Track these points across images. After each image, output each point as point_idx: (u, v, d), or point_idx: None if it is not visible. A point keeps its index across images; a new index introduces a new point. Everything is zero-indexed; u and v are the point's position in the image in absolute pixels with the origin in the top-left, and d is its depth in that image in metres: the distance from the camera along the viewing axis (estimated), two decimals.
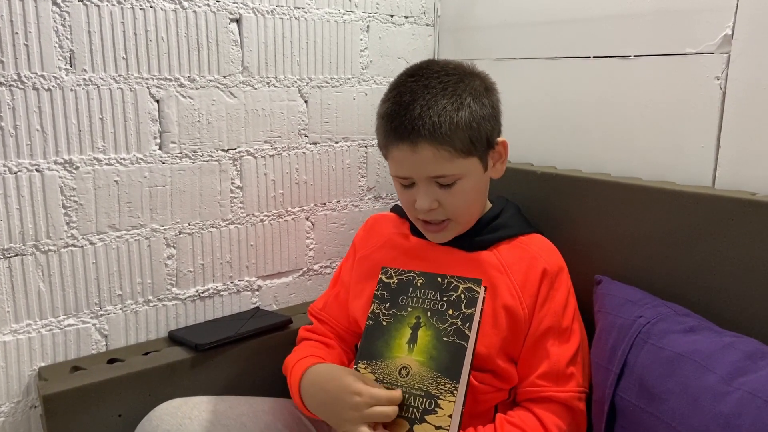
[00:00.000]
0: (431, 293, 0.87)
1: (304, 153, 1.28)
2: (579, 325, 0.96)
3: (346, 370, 0.88)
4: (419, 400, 0.81)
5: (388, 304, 0.88)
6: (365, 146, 1.37)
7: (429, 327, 0.85)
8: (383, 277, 0.91)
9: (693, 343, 0.80)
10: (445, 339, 0.83)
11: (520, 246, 0.97)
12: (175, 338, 1.12)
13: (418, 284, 0.88)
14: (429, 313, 0.86)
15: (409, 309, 0.87)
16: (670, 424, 0.76)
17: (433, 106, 0.87)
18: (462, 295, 0.86)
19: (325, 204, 1.33)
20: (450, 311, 0.85)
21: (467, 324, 0.83)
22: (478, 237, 0.97)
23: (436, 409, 0.80)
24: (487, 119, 0.91)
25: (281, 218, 1.27)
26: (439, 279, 0.88)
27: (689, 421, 0.74)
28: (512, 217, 1.00)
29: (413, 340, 0.84)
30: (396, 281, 0.89)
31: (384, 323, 0.87)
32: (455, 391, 0.80)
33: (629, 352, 0.85)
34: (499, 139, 0.95)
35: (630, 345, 0.85)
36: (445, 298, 0.86)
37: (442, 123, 0.86)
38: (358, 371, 0.85)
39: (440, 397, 0.80)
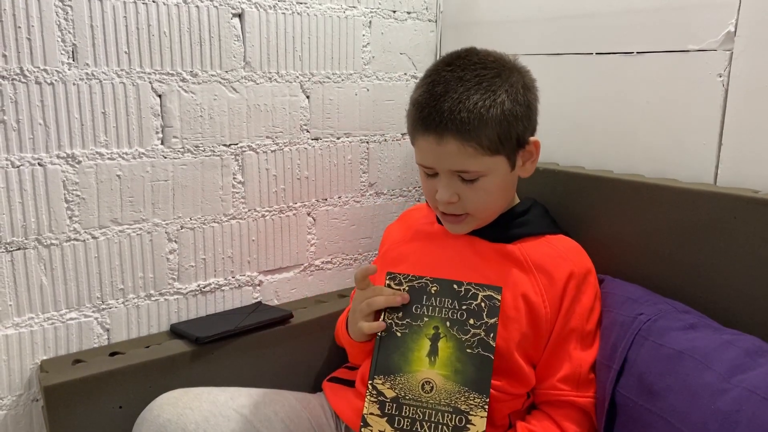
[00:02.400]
0: (448, 301, 0.83)
1: (305, 148, 1.28)
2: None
3: None
4: (448, 416, 0.78)
5: (401, 314, 0.84)
6: (367, 142, 1.37)
7: (450, 338, 0.81)
8: (392, 284, 0.86)
9: (693, 340, 0.80)
10: (469, 351, 0.80)
11: (547, 244, 0.95)
12: (176, 332, 1.13)
13: (433, 291, 0.84)
14: (448, 323, 0.82)
15: (426, 319, 0.83)
16: (669, 421, 0.76)
17: (465, 101, 0.85)
18: (482, 304, 0.82)
19: (326, 200, 1.33)
20: (471, 321, 0.82)
21: (491, 335, 0.80)
22: (502, 229, 0.95)
23: (468, 426, 0.77)
24: (520, 119, 0.88)
25: (283, 213, 1.27)
26: (455, 286, 0.84)
27: (688, 417, 0.74)
28: (539, 217, 0.99)
29: (434, 352, 0.81)
30: (407, 288, 0.85)
31: (398, 334, 0.83)
32: (486, 406, 0.77)
33: (629, 350, 0.85)
34: (532, 138, 0.92)
35: (630, 342, 0.85)
36: (464, 307, 0.82)
37: (471, 120, 0.84)
38: (375, 387, 0.81)
39: (471, 412, 0.77)
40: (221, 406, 0.96)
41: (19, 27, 0.94)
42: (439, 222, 1.01)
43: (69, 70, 0.99)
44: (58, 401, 0.95)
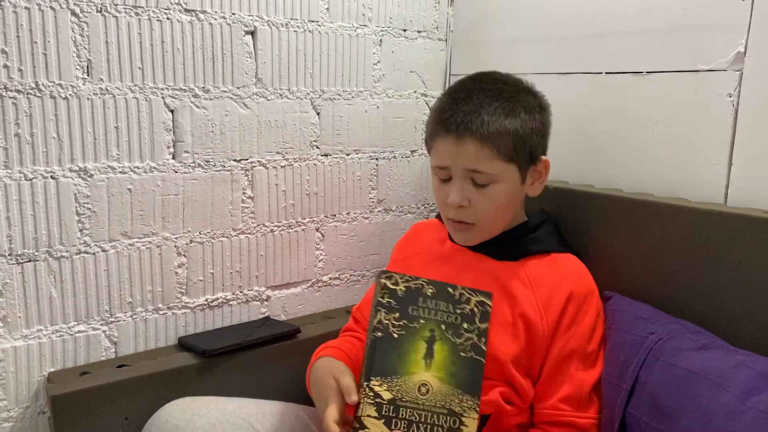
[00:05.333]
0: (443, 305, 0.85)
1: (315, 164, 1.28)
2: (604, 349, 0.94)
3: (337, 364, 0.89)
4: (443, 418, 0.79)
5: (397, 314, 0.84)
6: (376, 158, 1.37)
7: (445, 341, 0.83)
8: (387, 283, 0.85)
9: (705, 360, 0.79)
10: (462, 354, 0.82)
11: (550, 263, 0.96)
12: (183, 345, 1.13)
13: (429, 293, 0.85)
14: (443, 326, 0.84)
15: (422, 321, 0.84)
16: None
17: (486, 106, 0.90)
18: (475, 309, 0.85)
19: (335, 215, 1.33)
20: (465, 325, 0.84)
21: (483, 339, 0.82)
22: (510, 247, 0.97)
23: (461, 427, 0.79)
24: (535, 133, 0.93)
25: (291, 229, 1.27)
26: (449, 289, 0.86)
27: None
28: (548, 234, 1.00)
29: (430, 354, 0.82)
30: (404, 288, 0.85)
31: (395, 335, 0.83)
32: (477, 408, 0.79)
33: (641, 369, 0.84)
34: (543, 157, 0.96)
35: (641, 362, 0.84)
36: (458, 311, 0.84)
37: (491, 123, 0.89)
38: (372, 389, 0.79)
39: (464, 414, 0.79)
40: (229, 414, 0.96)
41: (36, 42, 0.95)
42: (450, 239, 1.02)
43: (83, 84, 1.00)
44: (64, 412, 0.95)
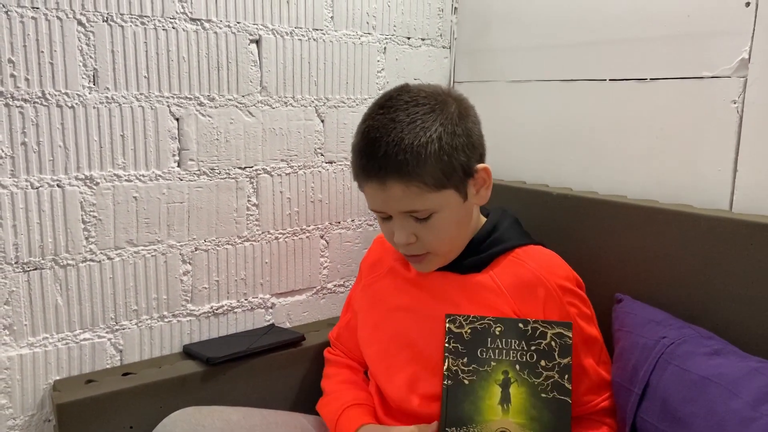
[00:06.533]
0: (515, 342, 0.80)
1: (319, 172, 1.29)
2: (595, 326, 0.93)
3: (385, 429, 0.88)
4: None
5: (465, 359, 0.80)
6: None
7: (521, 383, 0.78)
8: (452, 327, 0.82)
9: (718, 366, 0.79)
10: (543, 395, 0.76)
11: (516, 261, 0.92)
12: (189, 353, 1.12)
13: (497, 332, 0.81)
14: (518, 366, 0.78)
15: (493, 363, 0.79)
16: None
17: (400, 143, 0.82)
18: (553, 343, 0.79)
19: (339, 222, 1.33)
20: (543, 362, 0.78)
21: (566, 376, 0.76)
22: (471, 258, 0.93)
23: None
24: (461, 149, 0.86)
25: (296, 236, 1.27)
26: (521, 325, 0.80)
27: None
28: (508, 230, 0.95)
29: (506, 399, 0.78)
30: (469, 330, 0.82)
31: (466, 382, 0.79)
32: None
33: (652, 373, 0.84)
34: (479, 166, 0.89)
35: (653, 366, 0.84)
36: (533, 348, 0.79)
37: (409, 160, 0.82)
38: None
39: None
40: (234, 425, 0.95)
41: (42, 51, 0.96)
42: None
43: (89, 93, 1.01)
44: (69, 420, 0.94)
